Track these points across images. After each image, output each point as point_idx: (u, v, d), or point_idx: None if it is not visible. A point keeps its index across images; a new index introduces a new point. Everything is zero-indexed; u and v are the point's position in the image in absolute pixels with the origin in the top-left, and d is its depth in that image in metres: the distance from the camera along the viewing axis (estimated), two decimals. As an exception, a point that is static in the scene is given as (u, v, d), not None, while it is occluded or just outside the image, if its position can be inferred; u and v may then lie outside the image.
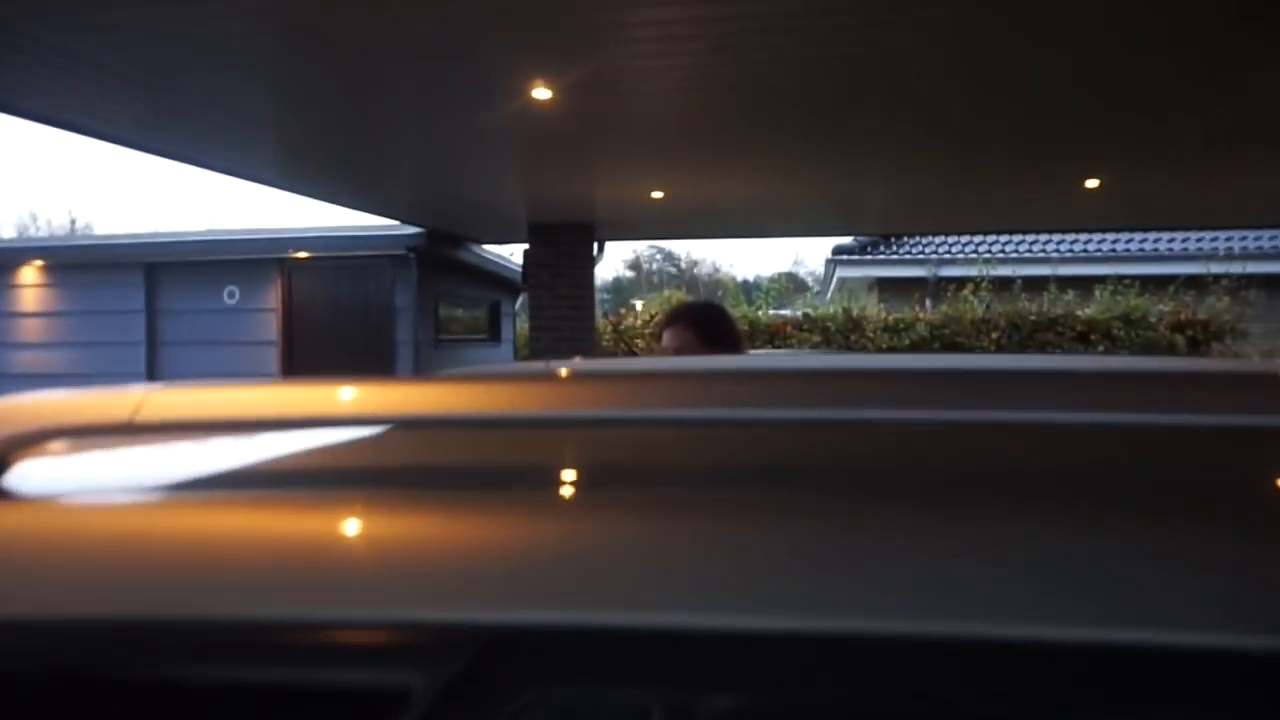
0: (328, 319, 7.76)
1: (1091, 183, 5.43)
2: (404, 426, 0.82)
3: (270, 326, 7.81)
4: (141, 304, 7.97)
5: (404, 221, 7.56)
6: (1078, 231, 10.88)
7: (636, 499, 0.66)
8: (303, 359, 7.73)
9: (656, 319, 10.70)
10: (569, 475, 0.77)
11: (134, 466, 0.80)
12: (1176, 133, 4.50)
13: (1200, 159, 5.10)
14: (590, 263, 7.82)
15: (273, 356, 7.79)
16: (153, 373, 7.97)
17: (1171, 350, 9.47)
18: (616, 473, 0.76)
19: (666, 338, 2.51)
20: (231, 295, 7.88)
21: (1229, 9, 2.91)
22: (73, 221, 34.67)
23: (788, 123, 4.35)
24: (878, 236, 12.51)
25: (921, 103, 4.02)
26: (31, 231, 31.07)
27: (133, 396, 0.83)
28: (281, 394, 0.83)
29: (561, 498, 0.70)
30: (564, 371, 1.12)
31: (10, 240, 11.36)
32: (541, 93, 3.59)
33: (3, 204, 51.25)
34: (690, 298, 18.64)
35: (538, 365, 1.64)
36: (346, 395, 0.87)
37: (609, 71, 3.44)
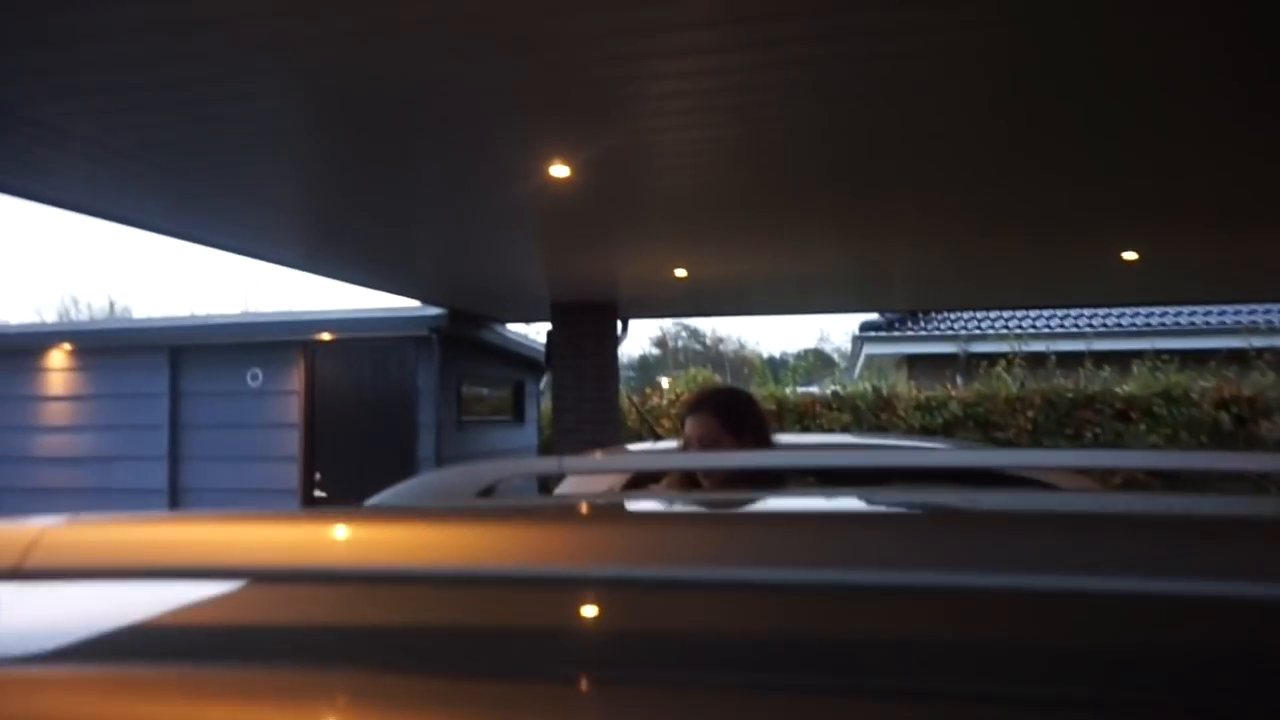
0: (350, 401, 7.68)
1: (1129, 255, 5.26)
2: (345, 582, 0.65)
3: (292, 409, 7.73)
4: (165, 387, 7.94)
5: (427, 302, 7.52)
6: (1114, 306, 10.65)
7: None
8: (324, 441, 7.62)
9: (683, 398, 10.53)
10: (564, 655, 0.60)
11: (15, 627, 0.64)
12: (1213, 202, 4.35)
13: (1239, 229, 4.93)
14: (614, 341, 7.71)
15: (294, 439, 7.70)
16: (175, 456, 7.90)
17: (1217, 429, 9.12)
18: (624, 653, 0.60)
19: (690, 426, 2.36)
20: (255, 378, 7.83)
21: (1269, 74, 2.79)
22: (112, 305, 35.41)
23: (812, 198, 4.26)
24: (906, 313, 12.36)
25: (950, 176, 3.91)
26: (73, 315, 31.74)
27: (26, 535, 0.68)
28: (213, 532, 0.68)
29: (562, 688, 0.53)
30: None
31: (37, 325, 11.50)
32: (559, 170, 3.53)
33: (46, 289, 52.70)
34: (717, 376, 18.48)
35: (550, 463, 1.47)
36: (294, 535, 0.72)
37: (627, 147, 3.37)
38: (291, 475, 7.65)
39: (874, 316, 12.69)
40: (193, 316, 8.96)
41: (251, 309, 25.47)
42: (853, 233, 5.07)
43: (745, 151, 3.53)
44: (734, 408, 2.41)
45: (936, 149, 3.51)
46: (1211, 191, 4.14)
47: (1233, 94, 2.93)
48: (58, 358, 8.27)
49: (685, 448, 2.42)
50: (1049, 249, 5.43)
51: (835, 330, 49.59)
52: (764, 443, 2.46)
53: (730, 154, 3.57)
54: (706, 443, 2.30)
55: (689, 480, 2.31)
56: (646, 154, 3.54)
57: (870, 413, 9.78)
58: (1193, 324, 11.29)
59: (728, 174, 3.84)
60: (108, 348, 8.22)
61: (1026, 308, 11.49)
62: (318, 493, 7.55)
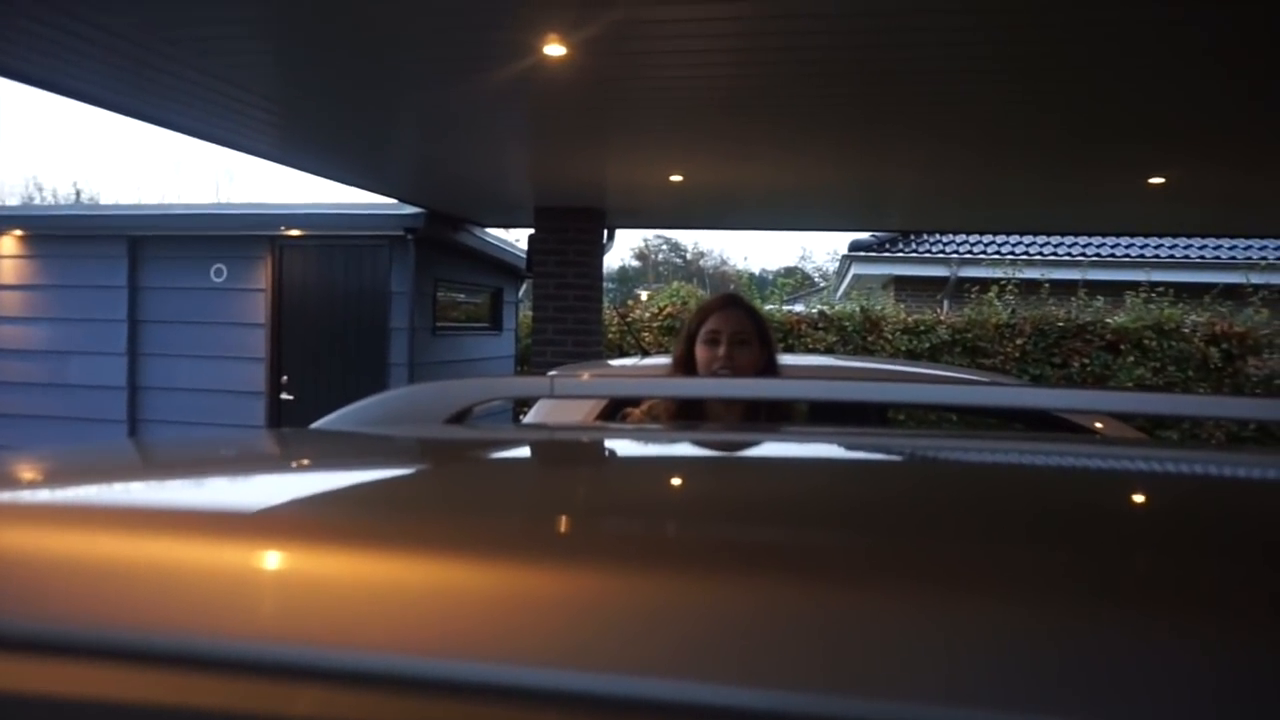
0: (320, 301, 7.31)
1: (1156, 180, 4.95)
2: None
3: (259, 307, 7.36)
4: (124, 279, 7.53)
5: (403, 200, 7.10)
6: (1124, 235, 10.35)
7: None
8: (292, 343, 7.29)
9: (666, 311, 10.23)
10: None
11: None
12: (1247, 125, 4.04)
13: (1269, 158, 4.63)
14: (599, 251, 7.36)
15: (261, 339, 7.35)
16: (134, 352, 7.54)
17: (1205, 364, 9.00)
18: None
19: (719, 320, 2.10)
20: (219, 273, 7.43)
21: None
22: (78, 192, 34.12)
23: (817, 101, 3.90)
24: (897, 233, 12.06)
25: (965, 83, 3.55)
26: (36, 201, 30.57)
27: None
28: None
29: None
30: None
31: (-12, 207, 10.91)
32: (555, 49, 3.13)
33: (9, 173, 50.75)
34: (700, 291, 18.18)
35: (540, 385, 1.18)
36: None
37: (630, 25, 2.98)
38: (258, 376, 7.34)
39: (864, 236, 12.38)
40: (153, 205, 8.46)
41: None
42: (855, 143, 4.71)
43: (752, 42, 3.16)
44: (758, 313, 2.18)
45: (951, 53, 3.17)
46: (1245, 113, 3.82)
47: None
48: (8, 244, 7.79)
49: (687, 356, 2.14)
50: (1069, 170, 5.11)
51: (818, 250, 49.42)
52: (774, 361, 2.22)
53: (738, 43, 3.19)
54: (736, 340, 2.05)
55: (684, 408, 2.04)
56: (651, 36, 3.15)
57: (857, 334, 9.56)
58: (1188, 257, 11.08)
59: (734, 67, 3.47)
60: (62, 235, 7.75)
61: (1025, 232, 11.22)
62: (284, 395, 7.25)
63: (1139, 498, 0.70)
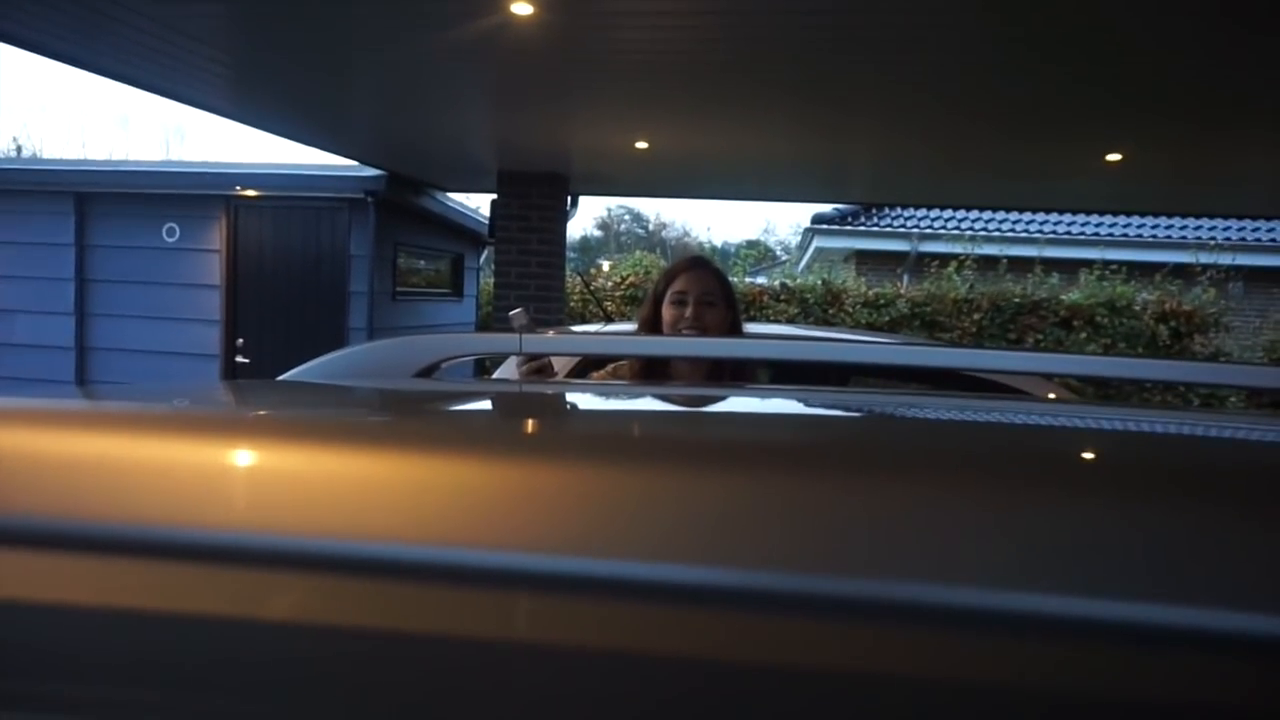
0: (276, 263, 7.17)
1: (1113, 156, 5.03)
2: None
3: (213, 269, 7.20)
4: (71, 237, 7.31)
5: (364, 162, 6.97)
6: (1079, 212, 10.53)
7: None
8: (248, 306, 7.16)
9: (629, 280, 10.21)
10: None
11: None
12: (1204, 103, 4.11)
13: (1224, 137, 4.73)
14: (563, 217, 7.30)
15: (215, 301, 7.21)
16: (82, 312, 7.35)
17: (1154, 341, 9.23)
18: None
19: (686, 282, 2.10)
20: (171, 233, 7.25)
21: None
22: (19, 147, 32.92)
23: (786, 71, 3.89)
24: (859, 206, 12.14)
25: (933, 58, 3.56)
26: (-27, 156, 29.41)
27: None
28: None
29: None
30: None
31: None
32: (522, 8, 3.08)
33: (-56, 126, 48.79)
34: (661, 261, 18.16)
35: (509, 341, 1.17)
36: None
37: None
38: (213, 339, 7.20)
39: (826, 209, 12.45)
40: (101, 161, 8.21)
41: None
42: (817, 112, 4.71)
43: (718, 5, 3.13)
44: (723, 276, 2.17)
45: (911, 24, 3.19)
46: (1199, 94, 3.89)
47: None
48: (-54, 198, 7.51)
49: (653, 318, 2.14)
50: (1028, 145, 5.16)
51: (781, 223, 49.56)
52: (739, 323, 2.23)
53: (704, 6, 3.16)
54: (704, 301, 2.05)
55: (649, 369, 2.04)
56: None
57: (818, 306, 9.64)
58: (1140, 236, 11.31)
59: (700, 31, 3.44)
60: (4, 189, 7.49)
61: (985, 208, 11.35)
62: (240, 358, 7.13)
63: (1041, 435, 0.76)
